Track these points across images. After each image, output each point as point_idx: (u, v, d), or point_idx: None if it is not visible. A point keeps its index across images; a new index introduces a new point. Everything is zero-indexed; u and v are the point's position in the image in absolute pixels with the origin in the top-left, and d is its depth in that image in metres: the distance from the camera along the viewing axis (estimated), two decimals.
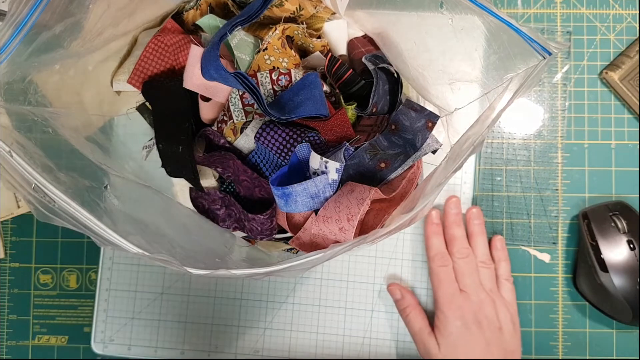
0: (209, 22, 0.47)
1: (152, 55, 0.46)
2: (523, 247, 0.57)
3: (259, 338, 0.57)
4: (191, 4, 0.48)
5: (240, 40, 0.46)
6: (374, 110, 0.47)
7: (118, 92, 0.50)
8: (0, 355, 0.58)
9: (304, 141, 0.44)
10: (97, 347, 0.57)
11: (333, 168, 0.41)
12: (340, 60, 0.46)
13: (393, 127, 0.47)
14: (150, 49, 0.46)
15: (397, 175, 0.45)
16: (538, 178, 0.58)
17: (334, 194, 0.43)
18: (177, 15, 0.49)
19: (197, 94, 0.47)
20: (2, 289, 0.58)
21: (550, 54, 0.34)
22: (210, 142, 0.48)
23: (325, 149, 0.45)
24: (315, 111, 0.44)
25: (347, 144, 0.44)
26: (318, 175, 0.42)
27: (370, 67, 0.46)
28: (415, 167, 0.45)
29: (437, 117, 0.46)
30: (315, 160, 0.42)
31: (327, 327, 0.57)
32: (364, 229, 0.43)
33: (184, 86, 0.45)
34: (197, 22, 0.48)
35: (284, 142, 0.44)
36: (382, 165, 0.45)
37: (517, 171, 0.58)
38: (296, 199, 0.42)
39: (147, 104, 0.49)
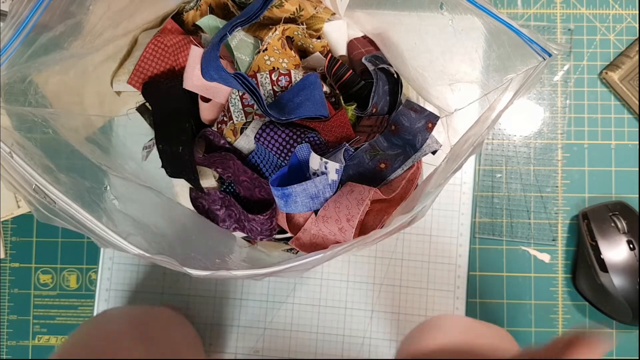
0: (209, 22, 0.47)
1: (152, 56, 0.46)
2: (523, 248, 0.57)
3: (259, 338, 0.57)
4: (191, 4, 0.48)
5: (240, 40, 0.46)
6: (374, 110, 0.47)
7: (118, 93, 0.50)
8: (0, 355, 0.58)
9: (303, 142, 0.44)
10: None
11: (333, 169, 0.41)
12: (340, 61, 0.46)
13: (393, 127, 0.47)
14: (150, 49, 0.46)
15: (397, 175, 0.45)
16: (538, 177, 0.58)
17: (333, 194, 0.43)
18: (177, 16, 0.49)
19: (197, 94, 0.47)
20: (2, 289, 0.58)
21: (550, 55, 0.34)
22: (210, 142, 0.48)
23: (325, 150, 0.45)
24: (315, 112, 0.44)
25: (346, 144, 0.44)
26: (318, 175, 0.42)
27: (370, 67, 0.46)
28: (415, 168, 0.45)
29: (437, 117, 0.46)
30: (315, 161, 0.42)
31: (327, 327, 0.57)
32: (364, 229, 0.43)
33: (183, 87, 0.45)
34: (197, 23, 0.48)
35: (284, 143, 0.44)
36: (382, 165, 0.45)
37: (517, 171, 0.58)
38: (296, 200, 0.42)
39: (147, 104, 0.49)
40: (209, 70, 0.43)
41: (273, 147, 0.44)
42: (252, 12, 0.43)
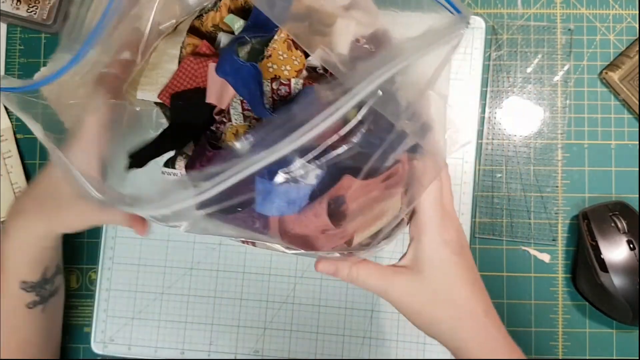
0: (233, 21, 0.47)
1: (185, 75, 0.47)
2: (523, 248, 0.57)
3: (259, 338, 0.57)
4: (209, 5, 0.48)
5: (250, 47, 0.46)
6: None
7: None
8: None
9: None
10: (97, 347, 0.57)
11: (313, 174, 0.41)
12: None
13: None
14: (183, 69, 0.46)
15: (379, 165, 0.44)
16: (538, 177, 0.58)
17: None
18: (197, 18, 0.50)
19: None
20: None
21: (459, 12, 0.34)
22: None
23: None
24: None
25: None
26: (291, 174, 0.41)
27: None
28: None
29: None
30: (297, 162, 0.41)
31: (327, 327, 0.57)
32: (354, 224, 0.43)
33: (206, 101, 0.46)
34: (225, 20, 0.48)
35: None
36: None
37: (517, 171, 0.58)
38: (273, 200, 0.41)
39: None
40: (223, 65, 0.43)
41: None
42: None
